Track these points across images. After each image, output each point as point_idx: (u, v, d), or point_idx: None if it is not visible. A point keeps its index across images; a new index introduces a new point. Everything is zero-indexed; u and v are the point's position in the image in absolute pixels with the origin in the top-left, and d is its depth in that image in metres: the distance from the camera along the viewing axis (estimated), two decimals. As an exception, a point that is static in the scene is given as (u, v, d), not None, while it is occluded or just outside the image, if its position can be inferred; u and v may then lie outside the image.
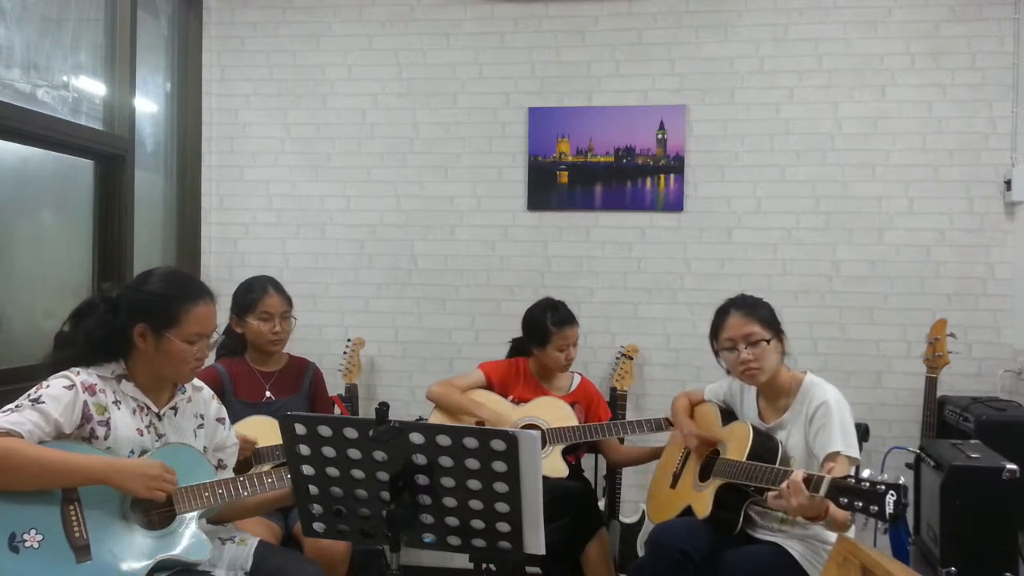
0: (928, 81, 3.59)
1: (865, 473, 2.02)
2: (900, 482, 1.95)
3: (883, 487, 1.94)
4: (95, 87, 3.40)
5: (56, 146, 3.15)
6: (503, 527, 1.76)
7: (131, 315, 2.05)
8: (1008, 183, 3.50)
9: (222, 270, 3.98)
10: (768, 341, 2.46)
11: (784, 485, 2.12)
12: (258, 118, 4.01)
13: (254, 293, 2.95)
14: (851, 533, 2.28)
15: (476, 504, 1.74)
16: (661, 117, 3.73)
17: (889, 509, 1.92)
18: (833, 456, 2.31)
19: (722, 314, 2.57)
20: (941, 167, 3.59)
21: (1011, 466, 2.27)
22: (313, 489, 1.82)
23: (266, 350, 2.97)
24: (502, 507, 1.73)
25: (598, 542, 2.99)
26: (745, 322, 2.49)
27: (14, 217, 3.04)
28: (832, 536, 2.30)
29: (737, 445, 2.49)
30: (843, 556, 2.10)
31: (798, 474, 2.12)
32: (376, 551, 3.05)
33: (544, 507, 1.74)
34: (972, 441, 2.59)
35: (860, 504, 1.98)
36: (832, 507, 2.10)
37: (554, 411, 3.10)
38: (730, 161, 3.71)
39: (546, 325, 3.14)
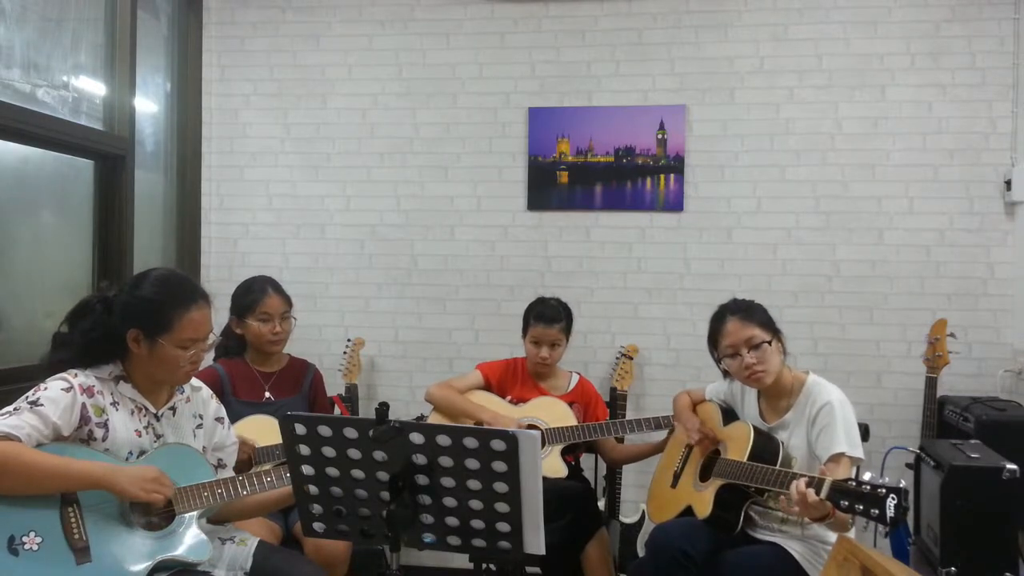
0: (928, 81, 3.59)
1: (866, 476, 2.02)
2: (901, 485, 1.94)
3: (884, 490, 1.94)
4: (95, 87, 3.39)
5: (56, 146, 3.15)
6: (503, 527, 1.76)
7: (125, 320, 2.05)
8: (1008, 183, 3.50)
9: (222, 270, 3.98)
10: (769, 343, 2.46)
11: (793, 491, 2.12)
12: (258, 118, 4.01)
13: (253, 294, 2.95)
14: (851, 533, 2.28)
15: (476, 504, 1.74)
16: (661, 117, 3.73)
17: (890, 513, 1.92)
18: (837, 457, 2.31)
19: (718, 320, 2.56)
20: (941, 167, 3.58)
21: (1011, 466, 2.27)
22: (313, 489, 1.82)
23: (266, 351, 2.97)
24: (502, 507, 1.73)
25: (598, 542, 2.99)
26: (743, 326, 2.48)
27: (14, 217, 3.04)
28: (832, 536, 2.31)
29: (738, 445, 2.49)
30: (843, 556, 2.10)
31: (801, 483, 2.12)
32: (376, 551, 3.05)
33: (544, 507, 1.74)
34: (972, 441, 2.59)
35: (861, 507, 1.98)
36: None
37: (553, 411, 3.10)
38: (730, 161, 3.71)
39: (528, 316, 3.20)
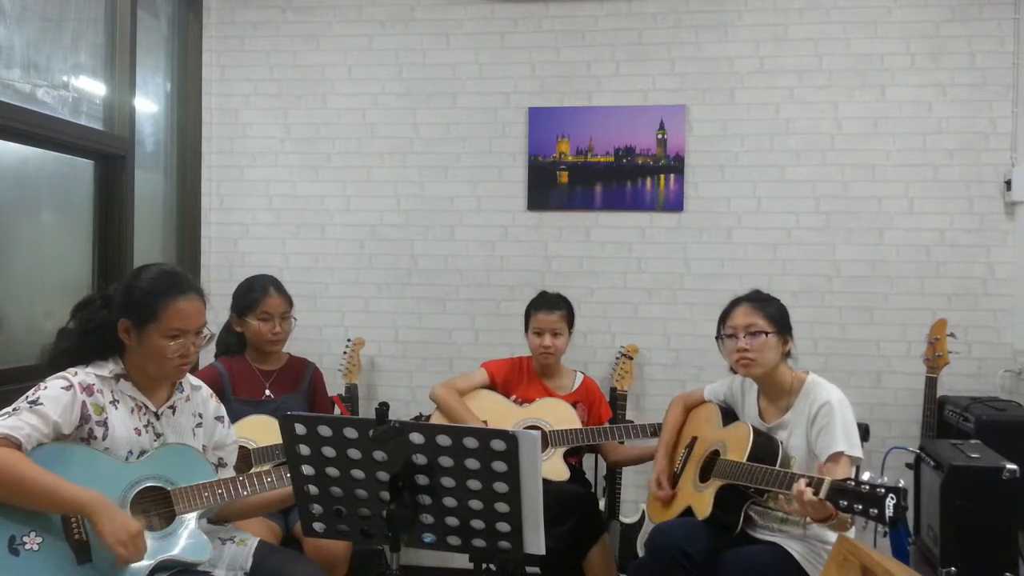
0: (928, 81, 3.59)
1: (865, 476, 2.02)
2: (900, 485, 1.95)
3: (883, 490, 1.94)
4: (95, 87, 3.39)
5: (56, 146, 3.15)
6: (503, 527, 1.76)
7: (117, 309, 2.06)
8: (1008, 183, 3.49)
9: (222, 270, 3.98)
10: (767, 335, 2.47)
11: (793, 491, 2.13)
12: (258, 118, 4.01)
13: (254, 293, 2.96)
14: (851, 533, 2.28)
15: (476, 504, 1.74)
16: (661, 117, 3.73)
17: (889, 512, 1.92)
18: (836, 456, 2.31)
19: (733, 304, 2.61)
20: (941, 167, 3.58)
21: (1011, 466, 2.27)
22: (313, 489, 1.82)
23: (265, 350, 2.98)
24: (502, 507, 1.73)
25: (600, 548, 2.98)
26: (750, 313, 2.52)
27: (14, 217, 3.04)
28: (832, 536, 2.30)
29: (737, 446, 2.49)
30: (843, 556, 2.10)
31: (801, 482, 2.12)
32: (376, 551, 3.05)
33: (546, 511, 1.74)
34: (972, 441, 2.59)
35: (860, 507, 1.98)
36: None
37: (557, 413, 3.10)
38: (730, 161, 3.71)
39: (529, 308, 3.24)
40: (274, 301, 2.96)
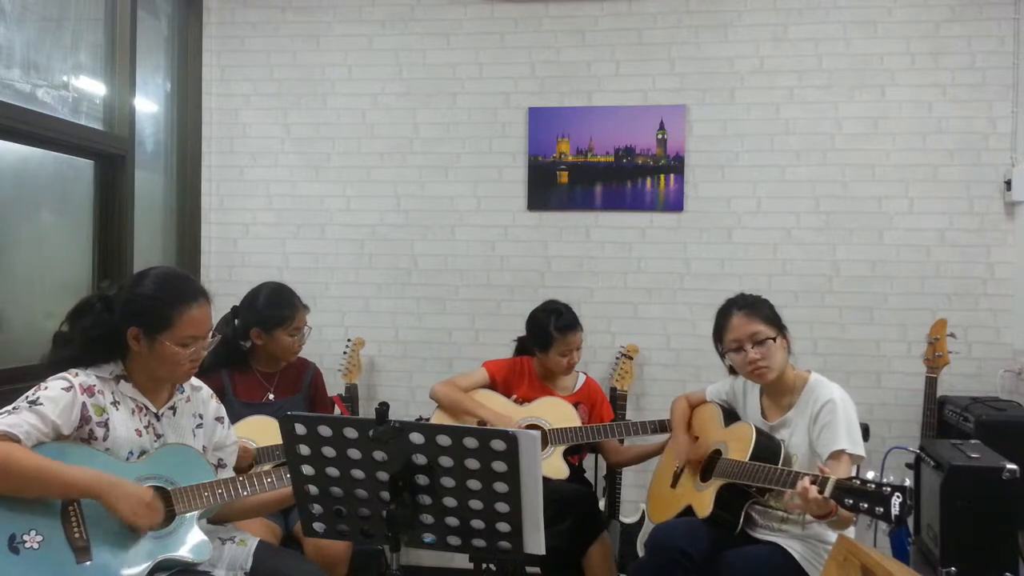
0: (928, 81, 3.59)
1: (870, 475, 2.02)
2: (906, 484, 1.95)
3: (889, 489, 1.95)
4: (95, 87, 3.39)
5: (56, 146, 3.15)
6: (503, 527, 1.76)
7: (125, 317, 2.05)
8: (1008, 183, 3.50)
9: (222, 270, 3.99)
10: (774, 339, 2.46)
11: (798, 489, 2.13)
12: (258, 118, 4.01)
13: (285, 309, 2.89)
14: (851, 533, 2.28)
15: (476, 504, 1.74)
16: (661, 117, 3.73)
17: (895, 511, 1.92)
18: (838, 454, 2.31)
19: (724, 315, 2.56)
20: (941, 167, 3.58)
21: (1011, 466, 2.27)
22: (313, 489, 1.82)
23: (287, 360, 2.97)
24: (502, 507, 1.73)
25: (600, 546, 2.98)
26: (748, 321, 2.49)
27: (14, 217, 3.04)
28: (832, 536, 2.31)
29: (739, 445, 2.49)
30: (843, 556, 2.10)
31: (805, 480, 2.12)
32: (376, 551, 3.05)
33: (545, 510, 1.74)
34: (972, 441, 2.59)
35: (865, 505, 1.98)
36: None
37: (557, 411, 3.10)
38: (730, 161, 3.71)
39: (549, 330, 3.12)
40: (303, 316, 2.93)
